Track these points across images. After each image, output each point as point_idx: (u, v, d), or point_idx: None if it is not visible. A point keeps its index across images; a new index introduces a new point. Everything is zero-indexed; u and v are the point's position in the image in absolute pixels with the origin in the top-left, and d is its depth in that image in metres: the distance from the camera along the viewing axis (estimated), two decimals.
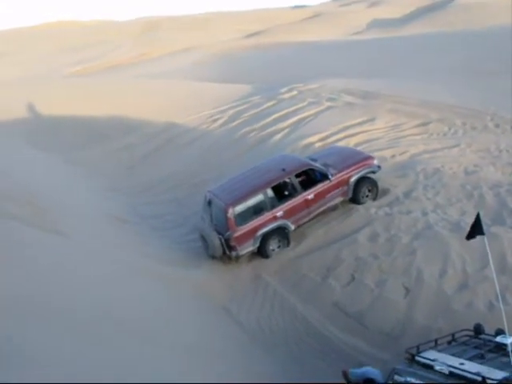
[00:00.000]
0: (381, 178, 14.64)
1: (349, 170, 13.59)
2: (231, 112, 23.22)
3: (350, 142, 17.70)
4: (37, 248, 10.02)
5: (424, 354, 6.99)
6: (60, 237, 11.33)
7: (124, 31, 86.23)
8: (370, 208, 13.37)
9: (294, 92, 24.85)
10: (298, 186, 13.15)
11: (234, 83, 30.83)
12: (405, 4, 78.19)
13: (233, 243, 12.53)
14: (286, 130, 19.90)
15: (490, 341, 7.39)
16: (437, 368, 6.59)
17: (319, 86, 25.57)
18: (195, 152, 20.07)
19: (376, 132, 18.59)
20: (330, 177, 13.29)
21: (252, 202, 12.75)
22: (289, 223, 12.95)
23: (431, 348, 7.29)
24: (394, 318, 10.09)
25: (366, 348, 9.50)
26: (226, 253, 12.70)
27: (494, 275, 8.25)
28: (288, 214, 12.94)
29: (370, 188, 13.78)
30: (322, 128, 19.24)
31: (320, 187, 13.26)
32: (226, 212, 12.49)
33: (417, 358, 6.90)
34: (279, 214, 12.86)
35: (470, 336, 7.70)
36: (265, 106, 23.23)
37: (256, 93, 26.00)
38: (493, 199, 12.86)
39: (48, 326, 6.51)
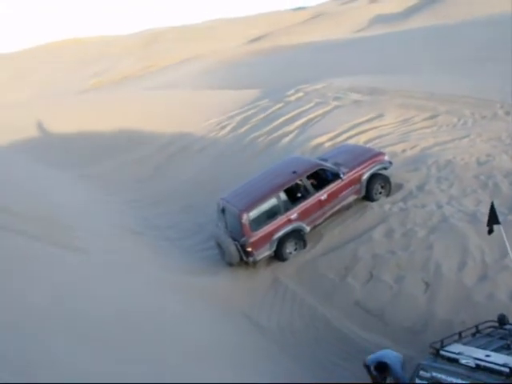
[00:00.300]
0: (393, 173, 14.57)
1: (360, 168, 13.53)
2: (239, 118, 23.26)
3: (360, 140, 17.65)
4: (54, 264, 10.08)
5: (448, 348, 6.91)
6: (78, 253, 11.40)
7: (129, 45, 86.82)
8: (384, 204, 13.31)
9: (301, 93, 24.82)
10: (311, 188, 13.12)
11: (240, 89, 30.89)
12: None
13: (249, 249, 12.47)
14: (294, 132, 19.88)
15: None
16: (462, 361, 6.51)
17: (325, 85, 25.52)
18: (206, 160, 20.13)
19: (385, 128, 18.51)
20: (341, 176, 13.24)
21: (265, 206, 12.72)
22: (304, 225, 12.92)
23: (455, 341, 7.21)
24: (415, 314, 10.02)
25: (389, 345, 9.41)
26: (244, 259, 12.66)
27: None
28: (302, 216, 12.89)
29: (382, 184, 13.70)
30: (331, 128, 19.20)
31: (332, 187, 13.22)
32: (240, 218, 12.47)
33: (441, 353, 6.82)
34: (293, 216, 12.82)
35: (494, 327, 7.60)
36: (272, 109, 23.23)
37: (263, 97, 26.03)
38: (508, 188, 12.72)
39: (68, 337, 6.54)
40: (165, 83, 46.17)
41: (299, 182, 13.20)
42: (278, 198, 12.77)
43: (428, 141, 16.60)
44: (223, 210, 13.27)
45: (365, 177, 13.49)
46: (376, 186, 13.62)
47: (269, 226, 12.66)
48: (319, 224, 13.27)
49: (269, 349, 10.08)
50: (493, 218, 8.54)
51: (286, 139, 19.47)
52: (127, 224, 15.66)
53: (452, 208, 12.43)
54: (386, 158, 13.96)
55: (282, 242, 12.74)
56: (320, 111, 21.46)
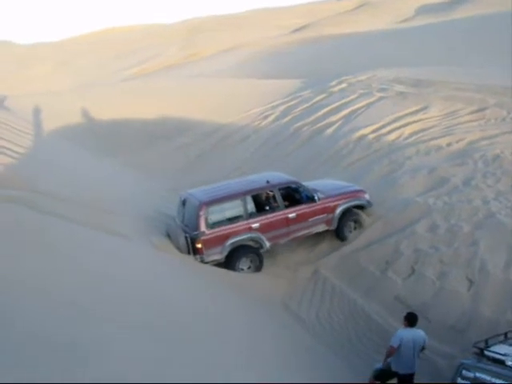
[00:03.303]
0: (438, 166, 14.29)
1: (337, 198, 12.98)
2: (282, 108, 23.15)
3: (405, 132, 17.37)
4: (95, 248, 10.27)
5: (493, 348, 6.75)
6: (118, 237, 11.59)
7: (171, 34, 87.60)
8: (428, 198, 13.06)
9: (344, 84, 24.53)
10: (281, 202, 12.51)
11: (283, 79, 30.75)
12: None
13: (199, 245, 11.78)
14: (338, 123, 19.68)
15: None
16: (509, 363, 6.36)
17: (369, 76, 25.16)
18: (249, 149, 20.13)
19: (430, 120, 18.14)
20: (316, 199, 12.69)
21: (228, 206, 12.15)
22: (264, 238, 12.25)
23: (501, 342, 7.03)
24: (459, 311, 9.82)
25: (431, 342, 9.20)
26: (191, 254, 11.89)
27: None
28: (265, 229, 12.23)
29: (356, 222, 13.08)
30: (375, 119, 18.94)
31: (304, 208, 12.61)
32: (199, 210, 11.82)
33: (486, 353, 6.67)
34: (255, 225, 12.18)
35: None
36: (315, 99, 23.03)
37: (305, 87, 25.83)
38: None
39: (108, 324, 6.65)
40: (207, 72, 46.35)
41: (270, 193, 12.74)
42: (244, 201, 12.17)
43: (475, 134, 16.21)
44: (184, 202, 12.66)
45: (340, 209, 12.89)
46: (349, 223, 13.02)
47: (226, 227, 11.99)
48: (280, 244, 12.67)
49: (307, 340, 10.06)
50: None
51: (330, 130, 19.30)
52: (166, 211, 15.80)
53: (499, 204, 12.11)
54: (367, 196, 13.27)
55: (237, 254, 12.07)
56: (364, 102, 21.17)
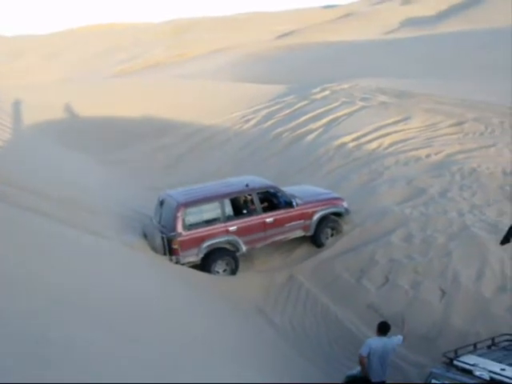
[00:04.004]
0: (416, 177, 14.44)
1: (315, 205, 13.03)
2: (264, 112, 23.22)
3: (385, 142, 17.53)
4: (71, 246, 10.17)
5: (463, 359, 6.81)
6: (95, 235, 11.49)
7: (160, 32, 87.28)
8: (404, 208, 13.19)
9: (327, 92, 24.71)
10: (259, 206, 12.55)
11: (267, 83, 30.85)
12: (438, 1, 77.06)
13: (175, 246, 11.75)
14: (319, 130, 19.80)
15: None
16: (477, 373, 6.42)
17: (352, 85, 25.38)
18: (229, 152, 20.15)
19: (411, 132, 18.36)
20: (294, 204, 12.73)
21: (206, 208, 12.12)
22: (240, 242, 12.24)
23: (470, 352, 7.11)
24: (430, 321, 9.91)
25: (401, 350, 9.32)
26: (166, 255, 11.86)
27: None
28: (242, 232, 12.23)
29: (333, 229, 13.16)
30: (356, 128, 19.09)
31: (282, 213, 12.66)
32: (176, 211, 11.79)
33: (455, 363, 6.74)
34: (232, 228, 12.18)
35: (510, 341, 7.49)
36: (297, 106, 23.16)
37: (288, 93, 25.96)
38: None
39: (79, 316, 6.59)
40: (192, 73, 46.29)
41: (248, 197, 12.77)
42: (222, 204, 12.16)
43: (453, 147, 16.44)
44: (162, 203, 12.58)
45: (317, 215, 12.92)
46: (326, 229, 13.09)
47: (204, 229, 11.98)
48: (257, 248, 12.70)
49: (280, 345, 10.06)
50: None
51: (311, 136, 19.40)
52: (144, 211, 15.71)
53: (474, 217, 12.28)
54: (345, 204, 13.33)
55: (213, 257, 12.05)
56: (346, 111, 21.34)
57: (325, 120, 20.63)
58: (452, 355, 6.90)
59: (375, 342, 8.03)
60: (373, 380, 8.02)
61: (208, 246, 12.03)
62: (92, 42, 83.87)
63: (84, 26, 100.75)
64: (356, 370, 8.34)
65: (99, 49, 79.65)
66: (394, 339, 8.16)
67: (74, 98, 26.31)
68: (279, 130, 20.75)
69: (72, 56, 76.03)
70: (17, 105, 24.31)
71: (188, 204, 11.98)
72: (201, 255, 12.01)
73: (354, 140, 18.11)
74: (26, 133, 21.18)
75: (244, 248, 12.38)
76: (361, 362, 8.00)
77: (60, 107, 24.90)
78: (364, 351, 7.95)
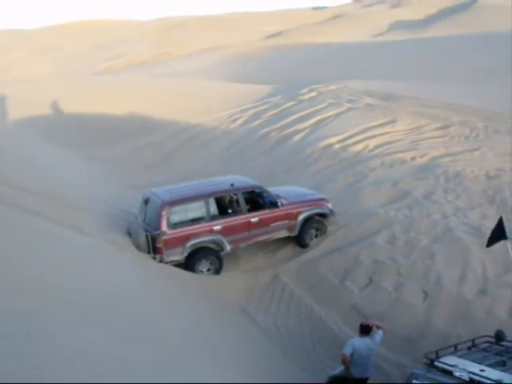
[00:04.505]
0: (401, 179, 14.54)
1: (300, 205, 13.06)
2: (251, 112, 23.22)
3: (370, 144, 17.62)
4: (55, 242, 10.11)
5: (443, 360, 6.87)
6: (81, 234, 11.43)
7: (147, 31, 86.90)
8: (389, 210, 13.27)
9: (314, 93, 24.78)
10: (244, 206, 12.53)
11: (254, 83, 30.86)
12: (428, 5, 77.54)
13: (159, 244, 11.73)
14: (305, 131, 19.85)
15: None
16: (456, 374, 6.48)
17: (340, 87, 25.48)
18: (216, 151, 20.12)
19: (396, 134, 18.47)
20: (279, 204, 12.75)
21: (191, 207, 12.11)
22: (225, 241, 12.23)
23: (451, 353, 7.18)
24: (413, 323, 9.98)
25: (384, 351, 9.38)
26: (150, 254, 11.85)
27: None
28: (226, 232, 12.23)
29: (317, 230, 13.20)
30: (342, 129, 19.17)
31: (266, 213, 12.67)
32: (161, 210, 11.78)
33: (436, 363, 6.80)
34: (217, 228, 12.17)
35: (490, 343, 7.57)
36: (284, 106, 23.20)
37: (276, 93, 25.99)
38: None
39: (66, 318, 6.55)
40: (180, 72, 46.17)
41: (233, 196, 12.77)
42: (207, 203, 12.16)
43: (438, 150, 16.57)
44: (147, 201, 12.56)
45: (302, 216, 12.94)
46: (311, 230, 13.12)
47: (188, 228, 11.96)
48: (241, 248, 12.72)
49: (263, 344, 10.07)
50: (500, 233, 8.48)
51: (297, 137, 19.44)
52: (128, 209, 15.66)
53: (457, 220, 12.39)
54: (329, 205, 13.35)
55: (197, 256, 12.04)
56: (332, 112, 21.42)
57: (312, 121, 20.69)
58: (433, 356, 6.96)
59: (359, 342, 8.09)
60: (355, 375, 8.09)
61: (192, 245, 12.01)
62: (80, 38, 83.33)
63: (73, 22, 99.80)
64: (339, 369, 8.40)
65: (87, 45, 79.19)
66: (377, 338, 8.22)
67: (61, 94, 26.13)
68: (266, 129, 20.77)
69: (60, 52, 75.50)
70: (2, 100, 24.12)
71: (173, 203, 11.96)
72: (185, 254, 11.99)
73: (340, 141, 18.18)
74: (10, 128, 21.00)
75: (228, 247, 12.37)
76: (344, 362, 8.04)
77: (48, 103, 24.72)
78: (347, 351, 7.99)
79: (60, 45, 79.24)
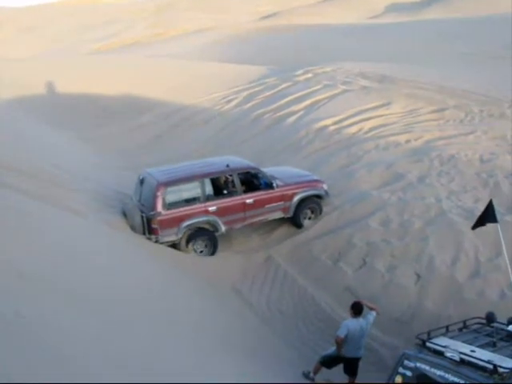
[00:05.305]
0: (395, 162, 14.53)
1: (295, 187, 13.03)
2: (245, 93, 23.08)
3: (365, 126, 17.58)
4: (47, 223, 10.06)
5: (435, 340, 6.94)
6: (75, 214, 11.38)
7: (140, 10, 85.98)
8: (383, 193, 13.28)
9: (309, 75, 24.62)
10: (239, 187, 12.49)
11: (249, 65, 30.62)
12: None
13: (155, 225, 11.72)
14: (300, 113, 19.75)
15: (502, 329, 7.33)
16: (447, 354, 6.55)
17: (335, 69, 25.32)
18: (209, 132, 20.01)
19: (391, 117, 18.43)
20: (274, 186, 12.73)
21: (186, 187, 12.10)
22: (220, 222, 12.21)
23: (442, 334, 7.24)
24: (405, 304, 10.06)
25: (376, 333, 9.46)
26: (146, 234, 11.84)
27: (508, 264, 8.22)
28: (221, 212, 12.22)
29: (312, 210, 13.19)
30: (337, 111, 19.09)
31: (262, 194, 12.65)
32: (156, 190, 11.74)
33: (427, 344, 6.86)
34: (212, 208, 12.15)
35: (481, 324, 7.64)
36: (279, 87, 23.04)
37: (271, 74, 25.82)
38: (508, 188, 12.74)
39: (61, 305, 6.54)
40: (174, 52, 45.77)
41: (228, 177, 12.75)
42: (202, 184, 12.12)
43: (433, 134, 16.56)
44: (142, 181, 12.49)
45: (297, 197, 12.92)
46: (306, 210, 13.10)
47: (183, 209, 11.94)
48: (236, 229, 12.71)
49: (256, 325, 10.12)
50: (490, 216, 8.51)
51: (292, 118, 19.35)
52: (123, 190, 15.59)
53: (451, 203, 12.43)
54: (325, 186, 13.33)
55: (193, 236, 12.08)
56: (327, 94, 21.31)
57: (306, 102, 20.58)
58: (425, 337, 7.02)
59: (353, 323, 8.13)
60: (348, 355, 8.15)
61: (187, 226, 12.00)
62: (71, 17, 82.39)
63: (62, 0, 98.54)
64: (331, 350, 8.45)
65: (78, 24, 78.28)
66: (370, 318, 8.28)
67: (53, 73, 25.84)
68: (260, 111, 20.66)
69: (49, 31, 74.60)
70: None
71: (168, 183, 11.92)
72: (180, 235, 11.97)
73: (334, 123, 18.12)
74: (2, 108, 20.79)
75: (223, 228, 12.35)
76: (337, 343, 8.09)
77: (38, 82, 24.44)
78: (342, 332, 8.04)
79: (49, 23, 78.24)
